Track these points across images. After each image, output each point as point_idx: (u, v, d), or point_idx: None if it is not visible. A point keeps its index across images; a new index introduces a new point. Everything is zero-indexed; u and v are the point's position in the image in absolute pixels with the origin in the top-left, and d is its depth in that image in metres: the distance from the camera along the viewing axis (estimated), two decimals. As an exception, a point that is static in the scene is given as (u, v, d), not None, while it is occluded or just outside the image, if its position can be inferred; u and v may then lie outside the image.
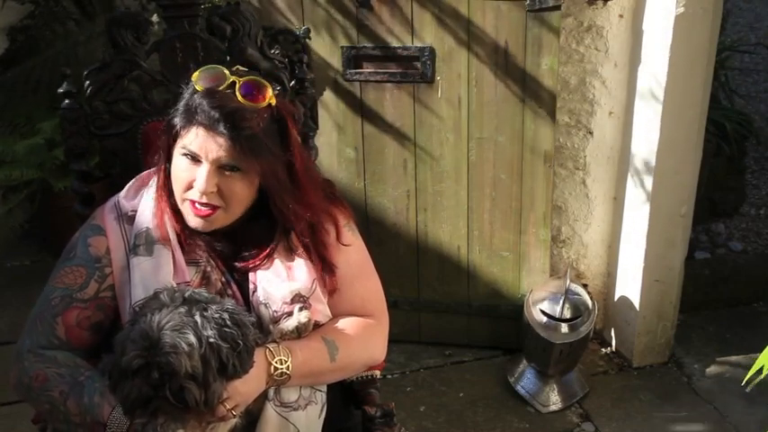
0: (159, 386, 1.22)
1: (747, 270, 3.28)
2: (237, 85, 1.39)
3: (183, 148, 1.38)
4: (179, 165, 1.40)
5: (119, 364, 1.24)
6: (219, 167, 1.38)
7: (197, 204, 1.40)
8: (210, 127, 1.35)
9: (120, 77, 1.68)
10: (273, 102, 1.41)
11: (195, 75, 1.42)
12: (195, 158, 1.38)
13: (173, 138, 1.41)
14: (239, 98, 1.38)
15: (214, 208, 1.40)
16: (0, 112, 3.42)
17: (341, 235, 1.53)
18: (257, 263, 1.46)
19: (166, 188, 1.45)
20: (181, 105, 1.40)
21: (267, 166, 1.40)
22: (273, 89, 1.43)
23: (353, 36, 2.58)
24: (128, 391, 1.23)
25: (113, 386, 1.26)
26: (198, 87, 1.40)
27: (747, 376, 1.09)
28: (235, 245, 1.48)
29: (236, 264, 1.47)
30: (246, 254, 1.47)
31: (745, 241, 3.57)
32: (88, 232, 1.48)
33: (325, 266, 1.50)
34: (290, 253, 1.47)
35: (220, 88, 1.39)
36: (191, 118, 1.37)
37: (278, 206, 1.44)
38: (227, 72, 1.41)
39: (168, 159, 1.44)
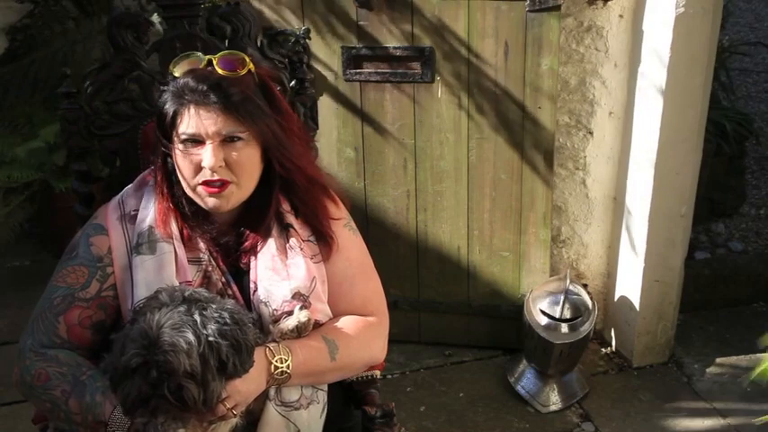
0: (158, 385, 1.22)
1: (747, 270, 3.28)
2: (215, 61, 1.42)
3: (183, 134, 1.39)
4: (182, 154, 1.41)
5: (118, 362, 1.24)
6: (222, 141, 1.38)
7: (209, 185, 1.40)
8: (201, 102, 1.37)
9: (120, 77, 1.68)
10: (253, 68, 1.44)
11: (171, 65, 1.45)
12: (196, 141, 1.39)
13: (167, 128, 1.42)
14: (220, 71, 1.41)
15: (226, 183, 1.40)
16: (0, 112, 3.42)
17: (329, 211, 1.54)
18: (257, 238, 1.46)
19: (166, 184, 1.45)
20: (166, 94, 1.42)
21: (264, 126, 1.42)
22: (249, 57, 1.45)
23: (353, 36, 2.58)
24: (127, 390, 1.23)
25: (113, 385, 1.27)
26: (177, 74, 1.42)
27: (754, 374, 1.09)
28: (237, 235, 1.48)
29: (241, 247, 1.47)
30: (246, 236, 1.47)
31: (745, 241, 3.57)
32: (90, 231, 1.48)
33: (321, 238, 1.51)
34: (290, 251, 1.48)
35: (200, 67, 1.43)
36: (180, 100, 1.39)
37: (281, 163, 1.45)
38: (200, 54, 1.45)
39: (164, 155, 1.45)
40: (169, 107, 1.40)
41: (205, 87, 1.37)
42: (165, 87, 1.43)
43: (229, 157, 1.39)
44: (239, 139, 1.39)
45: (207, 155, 1.38)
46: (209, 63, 1.43)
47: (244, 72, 1.42)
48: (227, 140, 1.39)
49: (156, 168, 1.47)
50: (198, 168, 1.40)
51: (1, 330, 3.01)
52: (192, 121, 1.38)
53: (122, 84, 1.69)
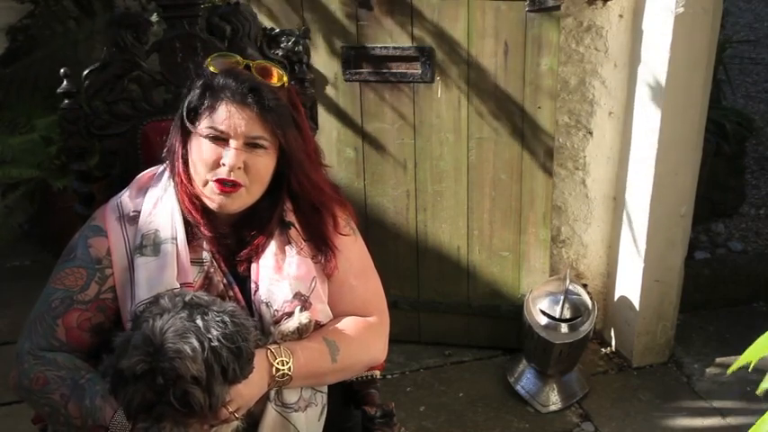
0: (163, 392, 1.22)
1: (747, 270, 3.28)
2: (253, 67, 1.44)
3: (209, 127, 1.39)
4: (202, 147, 1.41)
5: (119, 368, 1.23)
6: (245, 144, 1.39)
7: (221, 183, 1.40)
8: (239, 101, 1.39)
9: (120, 77, 1.68)
10: (287, 83, 1.46)
11: (208, 61, 1.45)
12: (219, 138, 1.39)
13: (191, 119, 1.42)
14: (257, 77, 1.43)
15: (238, 185, 1.41)
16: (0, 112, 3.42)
17: (338, 225, 1.55)
18: (258, 245, 1.47)
19: (186, 174, 1.45)
20: (198, 88, 1.42)
21: (291, 138, 1.44)
22: (285, 72, 1.47)
23: (353, 36, 2.58)
24: (131, 397, 1.23)
25: (113, 390, 1.26)
26: (214, 70, 1.43)
27: (731, 369, 1.09)
28: (239, 238, 1.48)
29: (239, 255, 1.47)
30: (248, 239, 1.48)
31: (744, 241, 3.57)
32: (88, 233, 1.47)
33: (325, 250, 1.51)
34: (290, 250, 1.48)
35: (238, 69, 1.44)
36: (216, 96, 1.40)
37: (298, 180, 1.47)
38: (239, 58, 1.48)
39: (184, 145, 1.45)
40: (201, 99, 1.41)
41: (245, 88, 1.39)
42: (193, 82, 1.44)
43: (248, 162, 1.40)
44: (261, 147, 1.41)
45: (230, 154, 1.39)
46: (247, 67, 1.45)
47: (278, 83, 1.44)
48: (250, 145, 1.40)
49: (176, 158, 1.46)
50: (215, 165, 1.40)
51: (1, 330, 3.00)
52: (224, 117, 1.39)
53: (122, 84, 1.69)
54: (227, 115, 1.38)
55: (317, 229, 1.51)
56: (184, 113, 1.43)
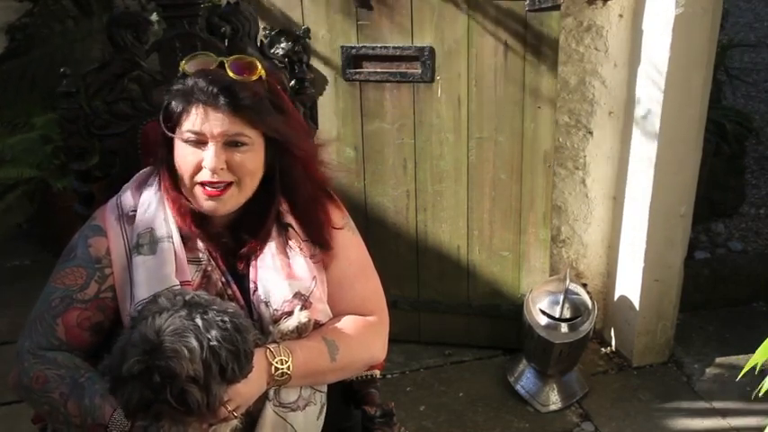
0: (160, 390, 1.21)
1: (747, 270, 3.28)
2: (227, 64, 1.42)
3: (187, 131, 1.38)
4: (183, 151, 1.40)
5: (119, 368, 1.23)
6: (225, 144, 1.38)
7: (207, 187, 1.39)
8: (210, 102, 1.37)
9: (120, 77, 1.68)
10: (264, 75, 1.43)
11: (183, 63, 1.44)
12: (199, 141, 1.38)
13: (171, 127, 1.41)
14: (231, 75, 1.40)
15: (227, 186, 1.40)
16: (-1, 111, 3.43)
17: (332, 217, 1.54)
18: (256, 243, 1.46)
19: (171, 181, 1.45)
20: (174, 91, 1.41)
21: (271, 126, 1.41)
22: (261, 63, 1.45)
23: (353, 36, 2.58)
24: (129, 395, 1.23)
25: (113, 389, 1.26)
26: (187, 72, 1.41)
27: (742, 373, 1.10)
28: (236, 237, 1.48)
29: (239, 253, 1.46)
30: (246, 238, 1.47)
31: (744, 241, 3.57)
32: (88, 233, 1.47)
33: (321, 241, 1.50)
34: (289, 250, 1.48)
35: (211, 68, 1.42)
36: (188, 99, 1.38)
37: (288, 164, 1.45)
38: (213, 55, 1.45)
39: (169, 151, 1.44)
40: (176, 104, 1.40)
41: (215, 89, 1.37)
42: (175, 84, 1.43)
43: (231, 160, 1.39)
44: (243, 144, 1.39)
45: (209, 156, 1.37)
46: (221, 65, 1.42)
47: (254, 78, 1.41)
48: (230, 144, 1.38)
49: (161, 164, 1.46)
50: (198, 168, 1.39)
51: (1, 330, 3.00)
52: (198, 120, 1.37)
53: (122, 83, 1.68)
54: (201, 118, 1.37)
55: (314, 221, 1.50)
56: (162, 120, 1.42)
